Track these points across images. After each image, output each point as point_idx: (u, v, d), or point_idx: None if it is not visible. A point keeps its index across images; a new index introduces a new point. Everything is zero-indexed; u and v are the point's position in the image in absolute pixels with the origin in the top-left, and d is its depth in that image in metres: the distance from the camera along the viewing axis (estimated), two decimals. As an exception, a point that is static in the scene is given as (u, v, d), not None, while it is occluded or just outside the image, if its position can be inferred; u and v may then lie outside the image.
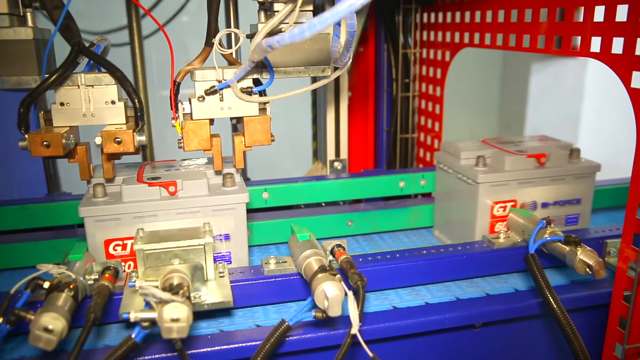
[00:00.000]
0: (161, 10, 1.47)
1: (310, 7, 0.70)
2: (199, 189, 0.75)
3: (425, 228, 1.02)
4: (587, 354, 0.64)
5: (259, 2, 0.71)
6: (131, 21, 1.13)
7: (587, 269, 0.69)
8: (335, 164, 1.21)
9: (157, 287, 0.58)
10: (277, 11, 0.68)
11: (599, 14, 0.72)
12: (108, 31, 1.58)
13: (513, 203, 0.86)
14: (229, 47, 0.73)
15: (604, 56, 0.70)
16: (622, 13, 0.68)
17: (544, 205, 0.89)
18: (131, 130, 0.69)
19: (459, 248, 0.80)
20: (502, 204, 0.86)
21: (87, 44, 0.72)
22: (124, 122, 0.74)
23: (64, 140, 0.68)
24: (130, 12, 1.13)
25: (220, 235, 0.76)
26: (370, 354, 0.58)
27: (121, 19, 1.34)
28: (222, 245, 0.76)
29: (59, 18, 0.67)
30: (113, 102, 0.73)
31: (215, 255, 0.75)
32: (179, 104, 0.73)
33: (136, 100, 0.71)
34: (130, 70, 1.15)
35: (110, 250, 0.73)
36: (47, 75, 0.68)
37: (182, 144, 0.74)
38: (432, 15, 1.19)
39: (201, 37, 0.73)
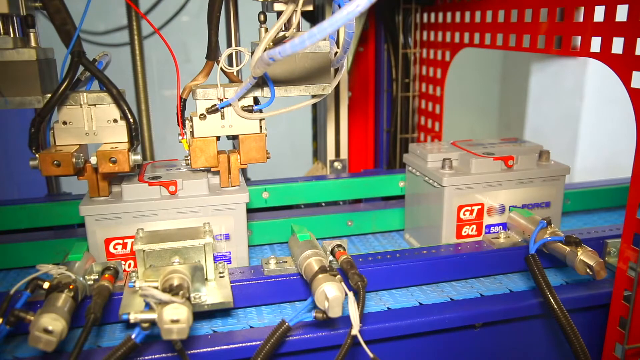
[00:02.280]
0: (161, 10, 1.47)
1: (310, 8, 0.70)
2: (199, 188, 0.75)
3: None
4: (588, 354, 0.64)
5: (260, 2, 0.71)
6: (131, 21, 1.13)
7: (588, 270, 0.69)
8: (335, 164, 1.21)
9: (157, 287, 0.58)
10: (280, 11, 0.68)
11: (599, 14, 0.72)
12: (108, 31, 1.58)
13: (480, 207, 0.85)
14: (230, 62, 0.74)
15: (604, 56, 0.70)
16: (622, 13, 0.68)
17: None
18: (126, 150, 0.70)
19: (459, 248, 0.80)
20: (469, 207, 0.84)
21: (87, 44, 0.72)
22: (126, 140, 0.74)
23: (74, 159, 0.69)
24: (130, 12, 1.13)
25: (220, 235, 0.76)
26: (371, 355, 0.58)
27: (121, 19, 1.34)
28: (222, 245, 0.76)
29: (63, 25, 0.67)
30: (115, 121, 0.73)
31: (215, 255, 0.75)
32: (187, 121, 0.74)
33: (131, 120, 0.71)
34: (130, 70, 1.15)
35: (111, 249, 0.73)
36: (49, 95, 0.68)
37: (189, 161, 0.74)
38: (432, 15, 1.19)
39: (201, 37, 0.73)
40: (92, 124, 0.73)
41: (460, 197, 0.84)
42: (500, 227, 0.87)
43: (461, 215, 0.85)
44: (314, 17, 1.16)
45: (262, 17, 0.72)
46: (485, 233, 0.87)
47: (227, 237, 0.76)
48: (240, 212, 0.76)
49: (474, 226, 0.86)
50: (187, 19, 1.98)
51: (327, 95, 1.22)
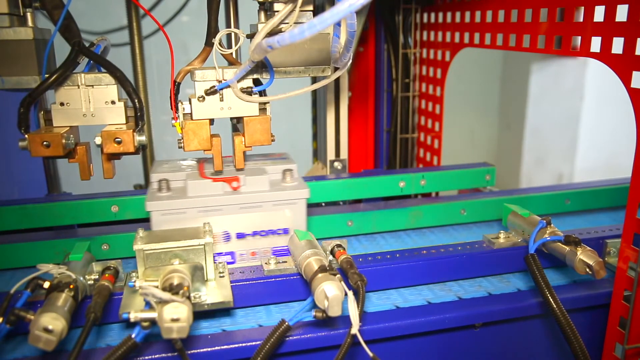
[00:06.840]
0: (161, 10, 1.47)
1: (310, 7, 0.70)
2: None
3: (427, 228, 1.02)
4: (587, 354, 0.64)
5: (259, 2, 0.71)
6: (131, 21, 1.13)
7: (587, 269, 0.69)
8: (335, 164, 1.21)
9: (157, 287, 0.58)
10: (277, 11, 0.68)
11: (599, 14, 0.72)
12: (108, 31, 1.59)
13: None
14: (229, 47, 0.73)
15: (604, 56, 0.70)
16: (622, 13, 0.68)
17: (240, 235, 0.76)
18: (131, 130, 0.69)
19: (459, 248, 0.80)
20: None
21: (87, 44, 0.72)
22: (124, 122, 0.74)
23: (64, 140, 0.68)
24: (130, 12, 1.13)
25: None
26: (370, 354, 0.58)
27: (121, 19, 1.34)
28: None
29: (59, 18, 0.67)
30: (113, 102, 0.73)
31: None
32: (179, 104, 0.73)
33: (136, 100, 0.71)
34: (130, 70, 1.15)
35: None
36: (47, 75, 0.68)
37: (182, 144, 0.74)
38: (432, 15, 1.19)
39: (201, 37, 0.73)
40: (89, 105, 0.72)
41: (171, 224, 0.73)
42: (229, 256, 0.77)
43: None
44: (313, 16, 1.16)
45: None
46: None
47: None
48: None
49: None
50: (187, 19, 1.98)
51: (327, 94, 1.21)
